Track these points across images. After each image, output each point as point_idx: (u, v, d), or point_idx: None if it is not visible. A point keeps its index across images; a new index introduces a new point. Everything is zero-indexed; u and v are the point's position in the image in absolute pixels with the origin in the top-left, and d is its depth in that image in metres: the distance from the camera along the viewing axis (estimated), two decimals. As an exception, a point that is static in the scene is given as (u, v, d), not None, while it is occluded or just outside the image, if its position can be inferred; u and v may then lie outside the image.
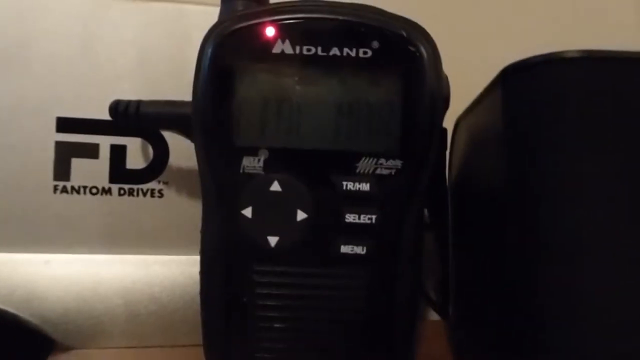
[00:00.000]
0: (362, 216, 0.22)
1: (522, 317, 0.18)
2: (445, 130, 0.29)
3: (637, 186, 0.17)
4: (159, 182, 0.30)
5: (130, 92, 0.28)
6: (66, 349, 0.27)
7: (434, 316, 0.35)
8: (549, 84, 0.19)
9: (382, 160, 0.22)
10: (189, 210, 0.30)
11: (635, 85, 0.18)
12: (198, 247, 0.24)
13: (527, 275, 0.18)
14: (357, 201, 0.22)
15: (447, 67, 0.24)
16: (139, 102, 0.26)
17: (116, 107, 0.26)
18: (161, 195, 0.30)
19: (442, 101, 0.22)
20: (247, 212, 0.22)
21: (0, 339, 0.21)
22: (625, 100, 0.18)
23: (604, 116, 0.18)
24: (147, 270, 0.29)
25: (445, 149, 0.30)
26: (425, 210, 0.32)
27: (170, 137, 0.30)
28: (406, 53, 0.21)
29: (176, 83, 0.28)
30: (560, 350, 0.17)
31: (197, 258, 0.24)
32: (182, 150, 0.30)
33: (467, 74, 0.25)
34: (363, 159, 0.22)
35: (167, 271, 0.29)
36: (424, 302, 0.34)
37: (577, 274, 0.17)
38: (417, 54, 0.21)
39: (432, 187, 0.30)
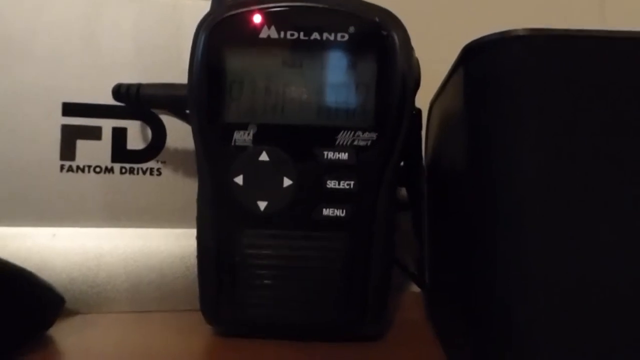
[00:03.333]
0: (341, 182, 0.24)
1: (481, 288, 0.19)
2: (419, 111, 0.31)
3: (584, 160, 0.18)
4: (157, 161, 0.32)
5: (129, 79, 0.29)
6: (72, 313, 0.29)
7: (414, 288, 0.37)
8: (500, 61, 0.20)
9: (359, 133, 0.24)
10: (184, 187, 0.31)
11: (580, 61, 0.19)
12: (194, 221, 0.26)
13: (484, 247, 0.20)
14: (337, 169, 0.24)
15: (424, 51, 0.26)
16: (139, 85, 0.28)
17: (118, 89, 0.28)
18: (159, 174, 0.32)
19: (413, 81, 0.24)
20: (239, 180, 0.24)
21: (19, 294, 0.23)
22: (570, 76, 0.19)
23: (549, 90, 0.19)
24: (147, 242, 0.31)
25: (420, 129, 0.33)
26: (404, 190, 0.35)
27: (167, 119, 0.32)
28: (379, 38, 0.24)
29: (171, 69, 0.30)
30: (511, 314, 0.19)
31: (193, 231, 0.26)
32: (178, 132, 0.32)
33: (444, 57, 0.26)
34: (342, 131, 0.24)
35: (165, 243, 0.31)
36: (404, 274, 0.36)
37: (529, 246, 0.18)
38: (390, 39, 0.24)
39: (409, 166, 0.32)
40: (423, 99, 0.29)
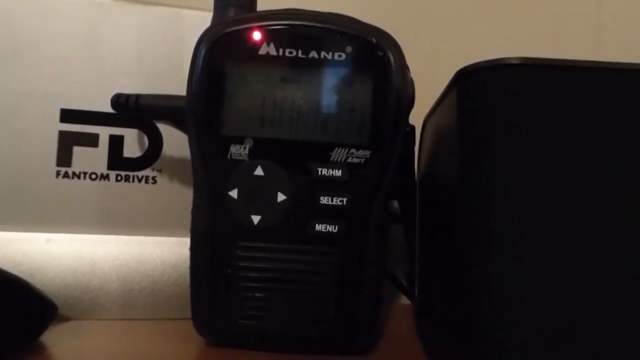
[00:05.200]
0: (334, 199, 0.25)
1: (471, 303, 0.20)
2: (413, 128, 0.32)
3: (571, 181, 0.19)
4: (153, 169, 0.32)
5: (129, 88, 0.30)
6: (65, 319, 0.29)
7: (405, 300, 0.38)
8: (493, 88, 0.21)
9: (353, 150, 0.24)
10: (179, 196, 0.32)
11: (572, 91, 0.20)
12: (187, 230, 0.26)
13: (476, 263, 0.20)
14: (331, 185, 0.24)
15: (419, 71, 0.27)
16: (138, 96, 0.28)
17: (117, 100, 0.29)
18: (155, 182, 0.32)
19: (407, 100, 0.25)
20: (233, 193, 0.25)
21: (11, 301, 0.23)
22: (560, 102, 0.20)
23: (539, 116, 0.20)
24: (140, 250, 0.31)
25: (414, 145, 0.33)
26: (396, 203, 0.36)
27: (164, 128, 0.32)
28: (376, 57, 0.24)
29: (171, 80, 0.30)
30: (501, 331, 0.19)
31: (186, 239, 0.26)
32: (174, 141, 0.32)
33: (437, 77, 0.27)
34: (336, 148, 0.24)
35: (159, 251, 0.31)
36: (395, 286, 0.37)
37: (521, 263, 0.19)
38: (385, 59, 0.24)
39: (402, 182, 0.33)
40: (417, 116, 0.30)
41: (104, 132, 0.32)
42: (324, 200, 0.25)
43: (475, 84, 0.22)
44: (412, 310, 0.36)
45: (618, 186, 0.19)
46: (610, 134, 0.20)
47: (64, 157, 0.31)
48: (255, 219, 0.25)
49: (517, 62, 0.21)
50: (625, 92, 0.20)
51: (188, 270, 0.26)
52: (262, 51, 0.24)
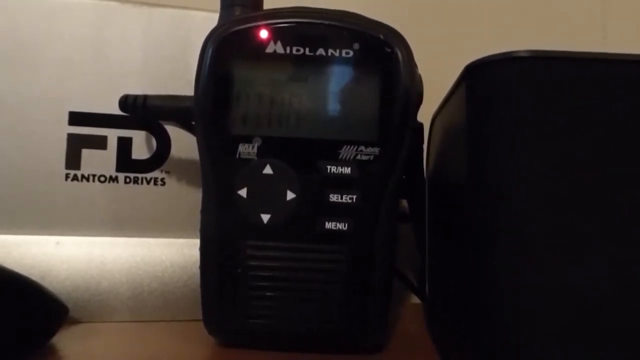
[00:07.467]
0: (344, 196, 0.24)
1: (481, 301, 0.20)
2: (421, 125, 0.32)
3: (580, 176, 0.19)
4: (162, 171, 0.32)
5: (136, 90, 0.30)
6: (75, 322, 0.29)
7: (415, 299, 0.37)
8: (501, 80, 0.21)
9: (362, 148, 0.24)
10: (188, 198, 0.32)
11: (580, 82, 0.20)
12: (196, 231, 0.26)
13: (484, 260, 0.20)
14: (340, 183, 0.24)
15: (428, 68, 0.26)
16: (145, 96, 0.28)
17: (125, 100, 0.29)
18: (163, 184, 0.32)
19: (416, 96, 0.25)
20: (243, 192, 0.25)
21: (24, 303, 0.23)
22: (570, 96, 0.20)
23: (548, 109, 0.20)
24: (149, 252, 0.31)
25: (422, 143, 0.33)
26: (405, 202, 0.35)
27: (172, 130, 0.32)
28: (383, 54, 0.24)
29: (178, 81, 0.31)
30: (510, 321, 0.19)
31: (195, 241, 0.26)
32: (183, 143, 0.32)
33: (446, 73, 0.26)
34: (345, 146, 0.24)
35: (168, 252, 0.31)
36: (405, 285, 0.36)
37: (529, 261, 0.19)
38: (393, 55, 0.24)
39: (410, 179, 0.32)
40: (426, 114, 0.30)
41: (113, 135, 0.32)
42: (334, 197, 0.24)
43: (484, 78, 0.21)
44: (422, 309, 0.35)
45: (629, 182, 0.19)
46: (621, 128, 0.19)
47: (72, 160, 0.31)
48: (265, 217, 0.25)
49: (526, 55, 0.20)
50: (637, 84, 0.20)
51: (197, 272, 0.26)
52: (269, 49, 0.24)
